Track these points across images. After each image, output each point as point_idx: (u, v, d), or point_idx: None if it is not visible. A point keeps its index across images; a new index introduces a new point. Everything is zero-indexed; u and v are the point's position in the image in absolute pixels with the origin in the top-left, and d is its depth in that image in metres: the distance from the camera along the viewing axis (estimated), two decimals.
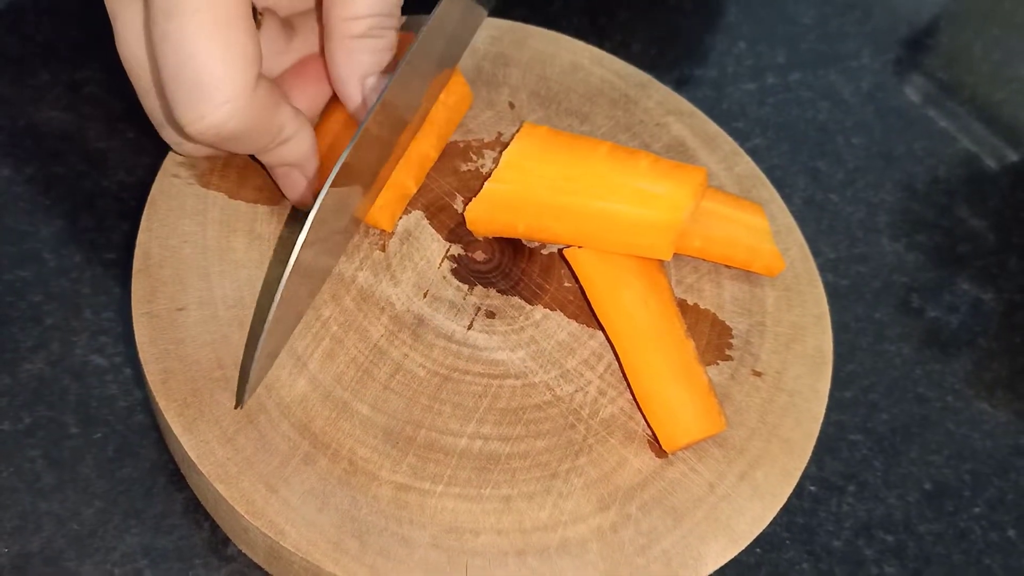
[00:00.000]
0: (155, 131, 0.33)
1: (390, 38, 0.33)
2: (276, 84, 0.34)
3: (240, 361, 0.31)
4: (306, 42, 0.35)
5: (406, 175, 0.35)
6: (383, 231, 0.35)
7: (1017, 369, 0.42)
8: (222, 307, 0.32)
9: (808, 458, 0.33)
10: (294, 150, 0.32)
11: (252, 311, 0.32)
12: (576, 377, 0.33)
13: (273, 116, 0.30)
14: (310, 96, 0.34)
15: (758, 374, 0.34)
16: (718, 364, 0.34)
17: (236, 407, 0.30)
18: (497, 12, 0.41)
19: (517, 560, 0.29)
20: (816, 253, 0.39)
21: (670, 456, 0.32)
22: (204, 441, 0.29)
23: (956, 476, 0.38)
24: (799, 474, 0.32)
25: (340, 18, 0.31)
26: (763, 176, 0.40)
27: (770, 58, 0.51)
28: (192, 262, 0.33)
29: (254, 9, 0.33)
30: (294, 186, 0.33)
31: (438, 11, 0.32)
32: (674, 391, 0.32)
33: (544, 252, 0.36)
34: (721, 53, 0.51)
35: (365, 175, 0.32)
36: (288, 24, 0.34)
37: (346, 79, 0.33)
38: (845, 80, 0.51)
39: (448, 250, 0.35)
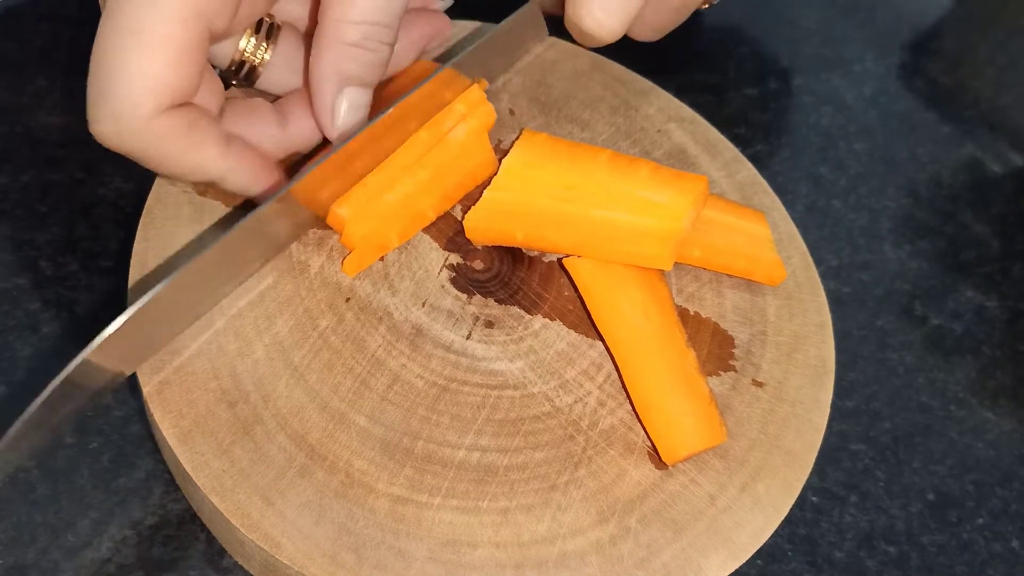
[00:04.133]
0: None
1: (383, 54, 0.31)
2: (278, 107, 0.33)
3: (235, 372, 0.31)
4: None
5: (391, 228, 0.34)
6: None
7: (1021, 377, 0.41)
8: (219, 318, 0.32)
9: (810, 470, 0.32)
10: (229, 186, 0.31)
11: (249, 321, 0.32)
12: (575, 388, 0.33)
13: (185, 154, 0.29)
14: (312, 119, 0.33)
15: (759, 384, 0.34)
16: (720, 375, 0.34)
17: None
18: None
19: (515, 574, 0.29)
20: (818, 260, 0.39)
21: (670, 468, 0.32)
22: (199, 453, 0.29)
23: (959, 486, 0.38)
24: (801, 486, 0.32)
25: (334, 19, 0.30)
26: (765, 183, 0.39)
27: (772, 63, 0.51)
28: None
29: (272, 23, 0.33)
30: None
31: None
32: (674, 402, 0.31)
33: (544, 261, 0.35)
34: (722, 58, 0.51)
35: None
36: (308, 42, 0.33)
37: (324, 79, 0.31)
38: (848, 85, 0.51)
39: (447, 259, 0.35)
